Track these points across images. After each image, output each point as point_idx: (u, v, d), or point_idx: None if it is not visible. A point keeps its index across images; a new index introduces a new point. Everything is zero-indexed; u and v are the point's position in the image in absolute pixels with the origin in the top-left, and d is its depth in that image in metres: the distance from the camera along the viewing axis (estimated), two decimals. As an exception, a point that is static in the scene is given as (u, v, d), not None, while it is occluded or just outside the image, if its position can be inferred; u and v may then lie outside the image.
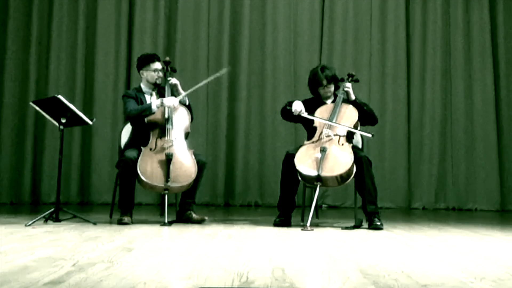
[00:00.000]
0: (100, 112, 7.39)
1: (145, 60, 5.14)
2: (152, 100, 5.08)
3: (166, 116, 4.95)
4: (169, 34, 7.70)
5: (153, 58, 5.15)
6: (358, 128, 5.09)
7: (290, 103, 5.03)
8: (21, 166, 7.36)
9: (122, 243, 3.53)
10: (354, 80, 5.21)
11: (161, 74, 5.11)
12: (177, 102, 4.99)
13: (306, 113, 4.94)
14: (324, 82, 5.05)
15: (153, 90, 5.15)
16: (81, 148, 7.49)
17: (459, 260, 3.12)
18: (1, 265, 2.65)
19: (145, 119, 4.94)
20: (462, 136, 7.69)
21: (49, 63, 7.50)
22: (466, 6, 7.81)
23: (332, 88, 5.12)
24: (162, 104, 4.93)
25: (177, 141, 4.92)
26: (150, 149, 4.85)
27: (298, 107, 4.96)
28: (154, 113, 4.92)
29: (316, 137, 4.91)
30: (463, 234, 4.54)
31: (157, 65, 5.11)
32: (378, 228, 4.67)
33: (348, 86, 5.07)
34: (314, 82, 5.10)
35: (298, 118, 5.03)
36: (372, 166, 4.88)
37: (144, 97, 5.13)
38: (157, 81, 5.11)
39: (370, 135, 4.89)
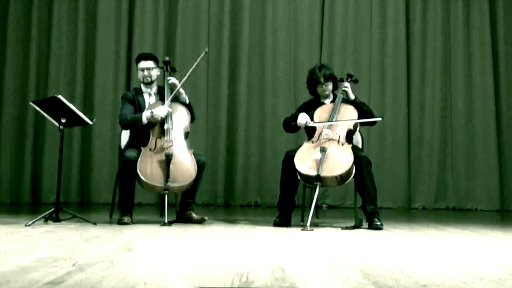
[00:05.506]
0: (100, 112, 7.39)
1: (136, 60, 5.21)
2: (145, 109, 5.05)
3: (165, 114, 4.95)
4: (169, 34, 7.70)
5: (139, 57, 5.18)
6: (358, 128, 5.09)
7: (293, 118, 5.05)
8: (21, 166, 7.36)
9: (122, 243, 3.53)
10: (353, 80, 5.22)
11: (146, 73, 5.08)
12: (166, 110, 4.93)
13: (312, 122, 4.96)
14: (322, 80, 5.07)
15: (146, 87, 5.14)
16: (81, 148, 7.49)
17: (459, 260, 3.12)
18: (1, 265, 2.64)
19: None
20: (462, 136, 7.69)
21: (49, 63, 7.50)
22: (466, 6, 7.81)
23: (330, 86, 5.12)
24: (152, 116, 4.89)
25: (176, 141, 4.92)
26: (150, 149, 4.84)
27: (303, 119, 4.97)
28: (145, 124, 4.91)
29: (316, 137, 4.92)
30: (463, 234, 4.54)
31: (143, 64, 5.09)
32: (378, 228, 4.68)
33: (347, 86, 5.08)
34: (312, 80, 5.12)
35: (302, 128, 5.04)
36: (372, 166, 4.88)
37: (143, 97, 5.13)
38: (145, 80, 5.11)
39: (380, 118, 4.99)
